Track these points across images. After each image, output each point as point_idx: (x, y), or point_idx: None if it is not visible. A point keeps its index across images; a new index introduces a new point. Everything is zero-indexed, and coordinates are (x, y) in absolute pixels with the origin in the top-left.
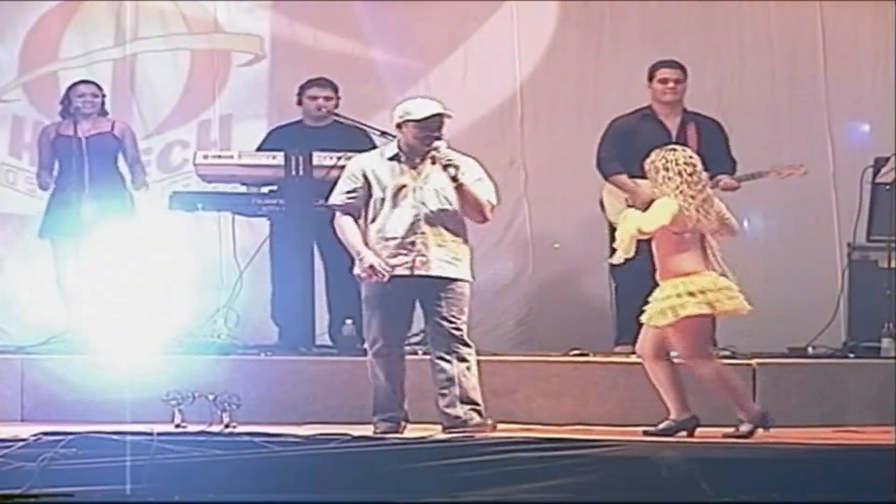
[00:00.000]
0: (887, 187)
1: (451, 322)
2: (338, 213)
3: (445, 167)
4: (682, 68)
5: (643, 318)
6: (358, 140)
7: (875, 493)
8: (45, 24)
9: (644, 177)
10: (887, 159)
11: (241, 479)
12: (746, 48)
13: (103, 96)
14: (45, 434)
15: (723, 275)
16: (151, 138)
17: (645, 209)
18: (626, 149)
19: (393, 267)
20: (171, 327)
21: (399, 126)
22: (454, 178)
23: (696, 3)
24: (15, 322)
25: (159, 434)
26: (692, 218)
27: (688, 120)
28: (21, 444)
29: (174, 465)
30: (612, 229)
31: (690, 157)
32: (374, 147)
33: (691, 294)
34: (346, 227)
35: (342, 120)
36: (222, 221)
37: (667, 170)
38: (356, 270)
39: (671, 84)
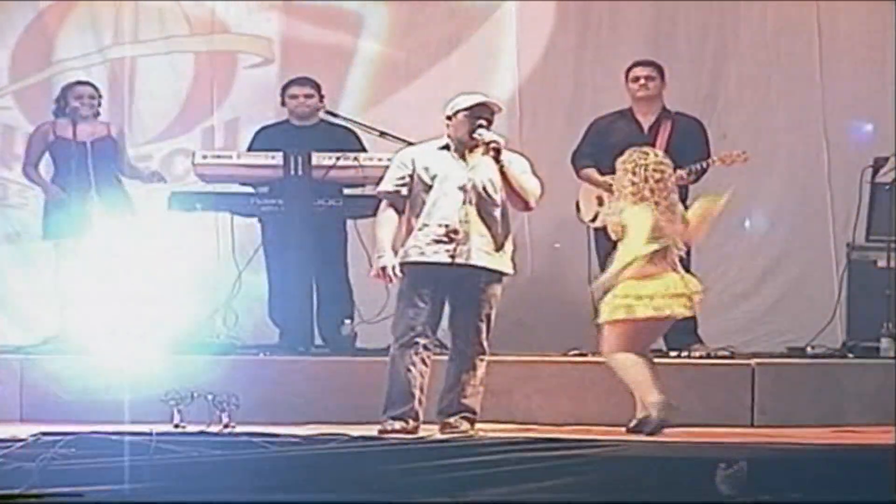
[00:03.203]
0: (886, 187)
1: (476, 325)
2: (383, 204)
3: (487, 145)
4: (657, 66)
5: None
6: (345, 139)
7: (874, 493)
8: (38, 27)
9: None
10: (886, 159)
11: (239, 479)
12: (743, 49)
13: (100, 97)
14: (45, 434)
15: (688, 274)
16: (151, 145)
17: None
18: (600, 145)
19: (433, 254)
20: (170, 327)
21: (450, 118)
22: (497, 158)
23: (692, 4)
24: (14, 323)
25: (158, 434)
26: (657, 224)
27: (664, 118)
28: (20, 444)
29: (173, 465)
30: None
31: (660, 163)
32: (363, 147)
33: (639, 298)
34: (385, 222)
35: (330, 119)
36: (221, 221)
37: (634, 173)
38: (372, 272)
39: (642, 81)
